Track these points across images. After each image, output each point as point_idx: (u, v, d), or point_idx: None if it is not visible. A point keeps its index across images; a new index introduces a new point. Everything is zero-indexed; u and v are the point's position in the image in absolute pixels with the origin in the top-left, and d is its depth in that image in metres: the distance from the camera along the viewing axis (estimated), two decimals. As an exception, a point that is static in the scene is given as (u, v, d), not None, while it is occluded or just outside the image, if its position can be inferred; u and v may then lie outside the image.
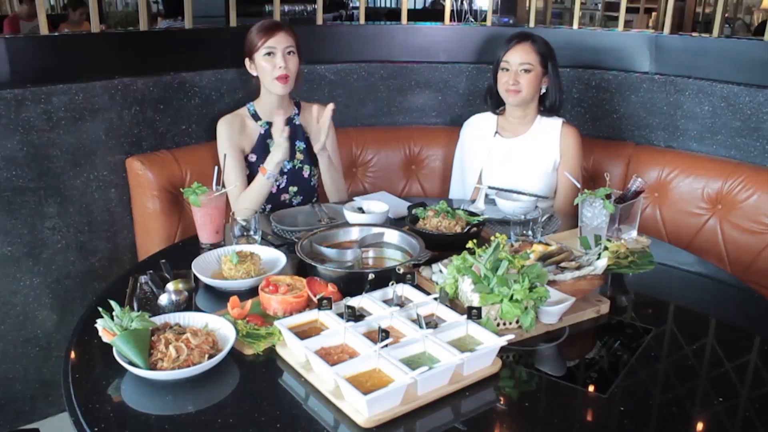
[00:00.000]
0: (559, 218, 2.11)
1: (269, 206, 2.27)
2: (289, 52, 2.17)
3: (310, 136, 2.29)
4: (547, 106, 2.33)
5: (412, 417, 1.13)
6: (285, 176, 2.27)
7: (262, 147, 2.26)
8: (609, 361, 1.35)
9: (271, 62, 2.16)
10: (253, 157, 2.26)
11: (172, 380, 1.21)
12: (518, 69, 2.23)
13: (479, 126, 2.44)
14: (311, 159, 2.31)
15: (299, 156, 2.30)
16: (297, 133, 2.30)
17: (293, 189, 2.30)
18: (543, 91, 2.30)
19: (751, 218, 2.25)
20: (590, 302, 1.50)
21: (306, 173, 2.31)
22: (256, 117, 2.28)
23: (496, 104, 2.40)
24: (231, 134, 2.22)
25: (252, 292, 1.54)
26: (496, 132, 2.38)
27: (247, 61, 2.23)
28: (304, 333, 1.29)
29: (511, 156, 2.35)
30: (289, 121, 2.27)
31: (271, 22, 2.21)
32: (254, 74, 2.23)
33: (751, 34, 6.63)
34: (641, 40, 2.62)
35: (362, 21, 2.89)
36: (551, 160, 2.32)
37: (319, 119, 2.17)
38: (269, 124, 2.25)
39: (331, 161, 2.27)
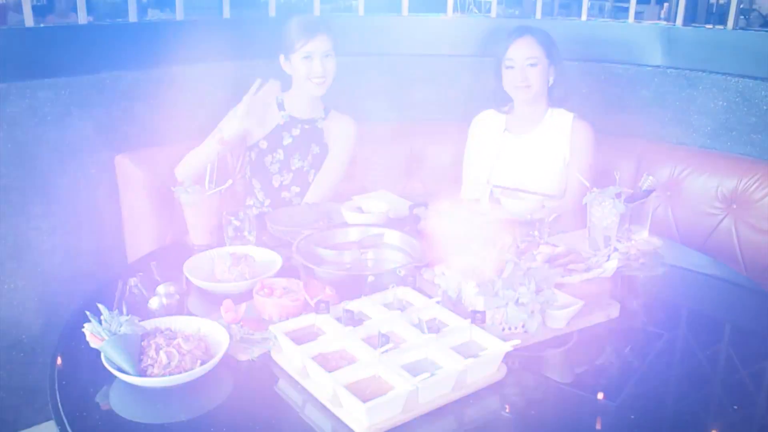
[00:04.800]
0: (563, 220, 2.08)
1: (268, 200, 2.29)
2: (327, 56, 2.18)
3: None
4: (556, 96, 2.32)
5: (413, 426, 1.12)
6: (292, 174, 2.30)
7: (277, 137, 2.27)
8: (619, 367, 1.35)
9: (308, 66, 2.17)
10: (264, 144, 2.27)
11: (163, 387, 1.20)
12: (524, 64, 2.21)
13: (488, 123, 2.42)
14: (319, 165, 2.32)
15: (309, 159, 2.31)
16: (315, 137, 2.31)
17: (295, 189, 2.31)
18: (551, 83, 2.29)
19: (767, 218, 2.21)
20: (599, 306, 1.49)
21: (310, 178, 2.32)
22: (280, 107, 2.29)
23: (502, 101, 2.38)
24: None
25: (246, 295, 1.53)
26: (505, 129, 2.36)
27: (281, 57, 2.22)
28: (300, 338, 1.28)
29: (521, 153, 2.32)
30: (311, 123, 2.31)
31: (310, 23, 2.18)
32: (288, 72, 2.23)
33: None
34: (653, 32, 2.59)
35: (361, 12, 2.87)
36: (561, 157, 2.29)
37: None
38: (291, 117, 2.29)
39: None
